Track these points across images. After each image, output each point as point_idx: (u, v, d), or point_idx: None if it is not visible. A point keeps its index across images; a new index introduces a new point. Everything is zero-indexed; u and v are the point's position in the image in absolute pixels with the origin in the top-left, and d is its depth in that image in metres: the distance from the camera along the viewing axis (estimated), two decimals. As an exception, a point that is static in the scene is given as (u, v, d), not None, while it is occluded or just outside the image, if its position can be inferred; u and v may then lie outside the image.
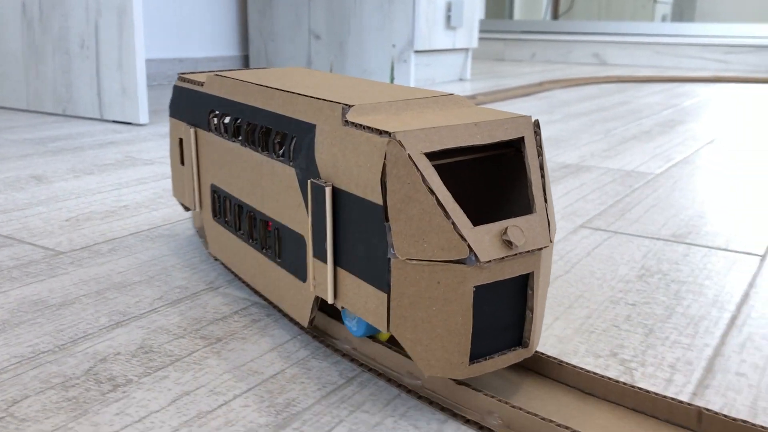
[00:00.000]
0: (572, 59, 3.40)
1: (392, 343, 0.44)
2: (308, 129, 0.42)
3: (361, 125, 0.37)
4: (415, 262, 0.35)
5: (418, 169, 0.34)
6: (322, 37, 2.18)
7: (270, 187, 0.46)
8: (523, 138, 0.38)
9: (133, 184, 0.90)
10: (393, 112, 0.39)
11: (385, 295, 0.37)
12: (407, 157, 0.34)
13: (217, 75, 0.54)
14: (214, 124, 0.54)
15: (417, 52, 2.11)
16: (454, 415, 0.38)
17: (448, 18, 2.17)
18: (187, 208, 0.64)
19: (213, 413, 0.38)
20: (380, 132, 0.36)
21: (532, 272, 0.36)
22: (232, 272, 0.57)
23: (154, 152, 1.11)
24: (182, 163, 0.61)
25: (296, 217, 0.44)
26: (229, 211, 0.54)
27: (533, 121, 0.39)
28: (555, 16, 3.99)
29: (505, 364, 0.38)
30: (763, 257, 0.65)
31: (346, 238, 0.39)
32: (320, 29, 2.18)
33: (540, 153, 0.38)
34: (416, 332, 0.36)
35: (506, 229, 0.35)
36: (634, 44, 3.24)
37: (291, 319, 0.49)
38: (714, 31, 3.22)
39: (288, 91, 0.44)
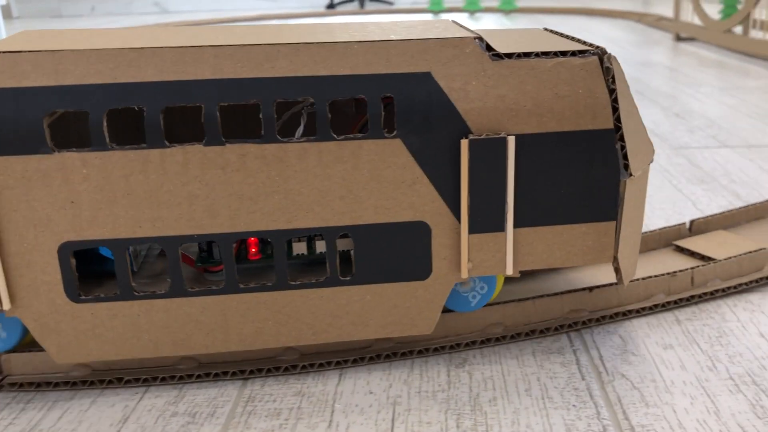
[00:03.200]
0: (134, 10, 3.35)
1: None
2: (417, 80, 0.33)
3: (532, 53, 0.33)
4: (635, 176, 0.35)
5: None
6: None
7: (313, 184, 0.33)
8: None
9: None
10: (504, 39, 0.36)
11: (611, 224, 0.36)
12: (622, 72, 0.34)
13: (21, 52, 0.31)
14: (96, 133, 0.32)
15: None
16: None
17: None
18: None
19: None
20: (574, 53, 0.33)
21: None
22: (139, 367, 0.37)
23: None
24: None
25: (404, 203, 0.34)
26: (155, 266, 0.37)
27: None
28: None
29: None
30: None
31: (531, 189, 0.34)
32: None
33: None
34: (627, 247, 0.36)
35: None
36: (194, -10, 3.31)
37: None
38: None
39: (310, 43, 0.32)
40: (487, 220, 0.34)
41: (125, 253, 0.33)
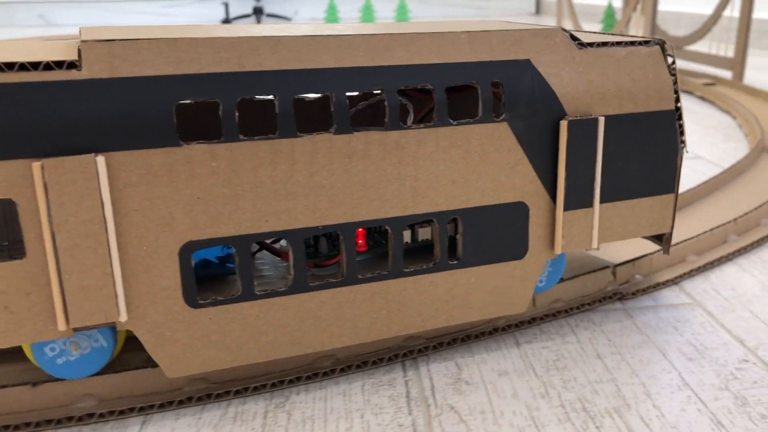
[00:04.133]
0: (17, 22, 3.18)
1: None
2: (520, 67, 0.35)
3: (608, 43, 0.37)
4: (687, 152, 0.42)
5: None
6: None
7: (429, 169, 0.33)
8: None
9: None
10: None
11: (671, 196, 0.40)
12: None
13: (141, 40, 0.29)
14: (229, 123, 0.30)
15: None
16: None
17: None
18: None
19: None
20: (640, 43, 0.38)
21: None
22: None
23: None
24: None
25: (506, 185, 0.35)
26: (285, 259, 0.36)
27: None
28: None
29: None
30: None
31: (611, 166, 0.38)
32: None
33: None
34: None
35: None
36: (81, 3, 3.17)
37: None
38: (156, -15, 3.32)
39: (417, 33, 0.33)
40: (578, 197, 0.37)
41: (249, 250, 0.31)
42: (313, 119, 0.43)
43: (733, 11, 1.70)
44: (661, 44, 0.38)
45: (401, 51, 0.33)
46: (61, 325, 0.29)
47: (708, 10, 2.12)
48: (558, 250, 0.37)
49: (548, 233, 0.37)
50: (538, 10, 3.59)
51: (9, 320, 0.28)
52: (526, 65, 0.35)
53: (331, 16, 2.67)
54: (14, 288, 0.28)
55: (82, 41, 0.28)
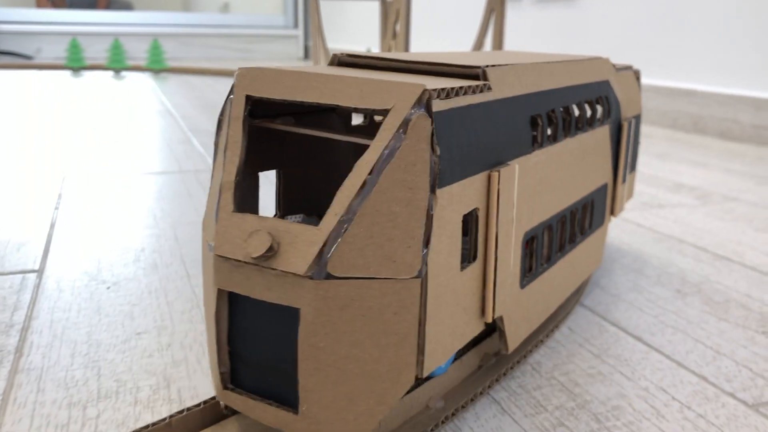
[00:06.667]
0: None
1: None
2: (606, 85, 0.47)
3: (620, 68, 0.53)
4: None
5: None
6: None
7: (584, 164, 0.44)
8: None
9: None
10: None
11: (635, 172, 0.58)
12: None
13: (502, 66, 0.34)
14: (545, 133, 0.38)
15: None
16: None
17: None
18: None
19: None
20: (625, 68, 0.54)
21: None
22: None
23: None
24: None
25: (602, 171, 0.47)
26: (552, 240, 0.41)
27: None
28: None
29: None
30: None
31: (628, 150, 0.52)
32: None
33: None
34: None
35: None
36: None
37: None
38: None
39: (563, 61, 0.43)
40: (624, 175, 0.52)
41: (543, 235, 0.39)
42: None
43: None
44: (633, 69, 0.55)
45: (576, 74, 0.43)
46: (488, 317, 0.33)
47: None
48: (617, 213, 0.52)
49: (610, 203, 0.50)
50: (307, 54, 3.54)
51: (464, 321, 0.31)
52: (608, 84, 0.47)
53: (74, 55, 2.39)
54: (468, 290, 0.31)
55: (487, 66, 0.33)
